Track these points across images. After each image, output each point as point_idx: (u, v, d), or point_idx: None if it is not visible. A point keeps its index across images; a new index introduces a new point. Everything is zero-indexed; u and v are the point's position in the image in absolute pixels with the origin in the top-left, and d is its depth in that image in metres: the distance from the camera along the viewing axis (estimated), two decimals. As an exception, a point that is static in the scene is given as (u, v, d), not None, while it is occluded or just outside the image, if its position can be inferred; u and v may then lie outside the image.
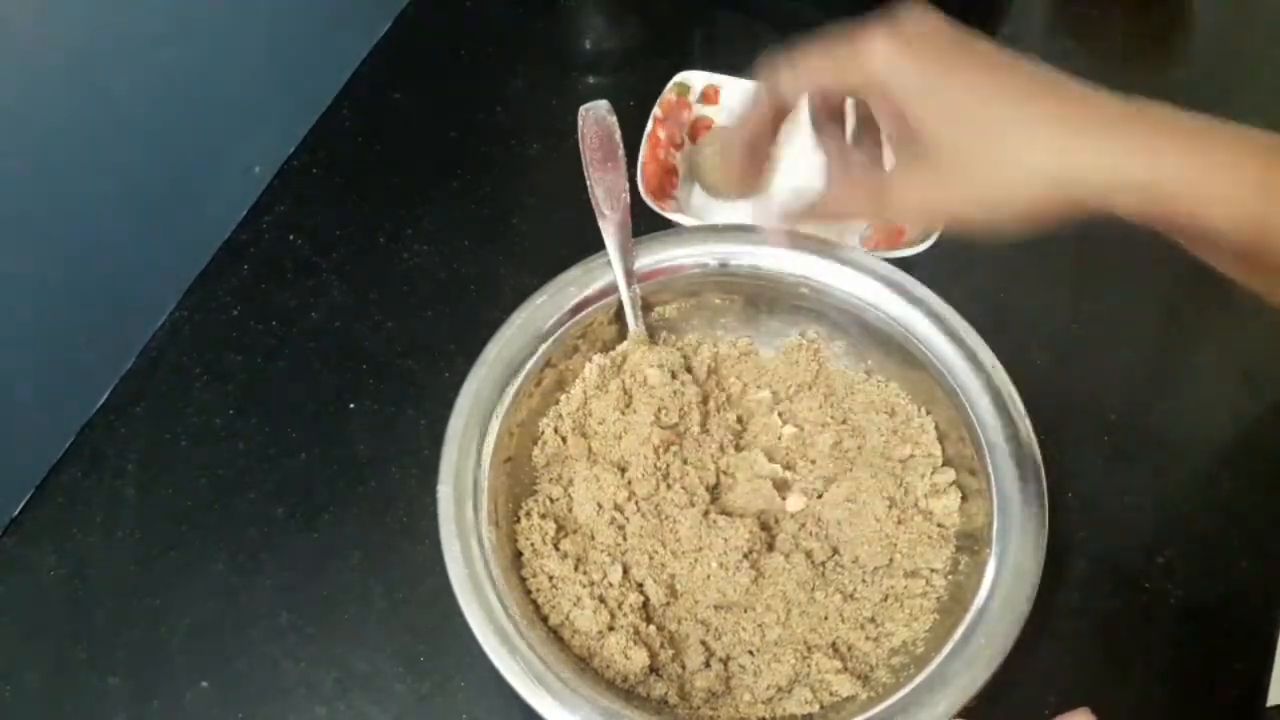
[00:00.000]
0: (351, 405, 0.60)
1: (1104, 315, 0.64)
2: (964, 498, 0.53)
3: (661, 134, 0.65)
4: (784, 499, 0.54)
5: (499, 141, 0.71)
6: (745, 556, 0.51)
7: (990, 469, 0.50)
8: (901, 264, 0.58)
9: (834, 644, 0.50)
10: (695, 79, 0.68)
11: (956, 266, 0.64)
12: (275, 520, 0.57)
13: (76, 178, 0.55)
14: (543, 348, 0.55)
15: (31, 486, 0.57)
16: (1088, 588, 0.54)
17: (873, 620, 0.51)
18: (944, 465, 0.54)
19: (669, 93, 0.67)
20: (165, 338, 0.63)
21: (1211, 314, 0.64)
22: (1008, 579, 0.47)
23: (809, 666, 0.49)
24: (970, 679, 0.45)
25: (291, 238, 0.67)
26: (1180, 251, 0.66)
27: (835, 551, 0.52)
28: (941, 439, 0.55)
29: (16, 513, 0.57)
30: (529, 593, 0.50)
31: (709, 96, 0.68)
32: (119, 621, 0.54)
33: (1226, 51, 0.77)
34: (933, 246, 0.59)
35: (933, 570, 0.51)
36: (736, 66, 0.68)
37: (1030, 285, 0.65)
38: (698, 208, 0.67)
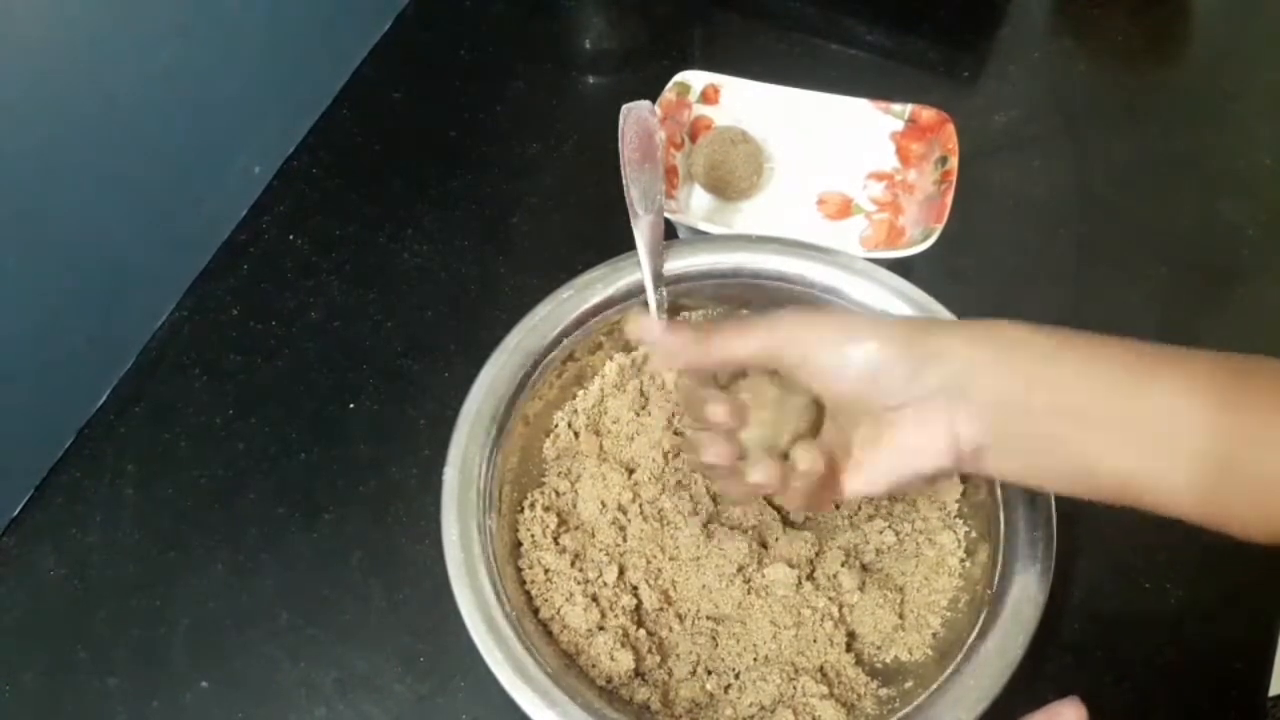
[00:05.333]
0: (351, 405, 0.60)
1: (1104, 316, 0.64)
2: (972, 535, 0.52)
3: (661, 134, 0.65)
4: (786, 514, 0.54)
5: (499, 141, 0.71)
6: (740, 571, 0.51)
7: (1001, 517, 0.50)
8: (902, 264, 0.58)
9: (822, 668, 0.49)
10: (695, 79, 0.68)
11: (957, 266, 0.64)
12: (275, 520, 0.57)
13: (76, 178, 0.55)
14: (566, 340, 0.55)
15: (31, 487, 0.57)
16: (1088, 587, 0.54)
17: (864, 649, 0.50)
18: (959, 499, 0.53)
19: (669, 93, 0.67)
20: (165, 338, 0.63)
21: (1211, 314, 0.64)
22: (1005, 622, 0.46)
23: (795, 688, 0.48)
24: (953, 719, 0.45)
25: (291, 238, 0.67)
26: (1180, 252, 0.67)
27: (833, 576, 0.52)
28: (964, 476, 0.54)
29: (16, 513, 0.57)
30: (523, 584, 0.50)
31: (709, 96, 0.68)
32: (119, 621, 0.54)
33: (1226, 51, 0.77)
34: (934, 246, 0.59)
35: (932, 605, 0.51)
36: (736, 66, 0.68)
37: (1030, 285, 0.65)
38: (697, 208, 0.67)
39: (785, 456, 0.44)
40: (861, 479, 0.43)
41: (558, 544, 0.52)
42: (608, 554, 0.52)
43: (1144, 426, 0.38)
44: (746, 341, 0.42)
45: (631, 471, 0.54)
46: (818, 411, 0.45)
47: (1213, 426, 0.36)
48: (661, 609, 0.51)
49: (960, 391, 0.40)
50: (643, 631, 0.50)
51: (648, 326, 0.46)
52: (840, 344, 0.41)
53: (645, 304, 0.56)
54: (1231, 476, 0.37)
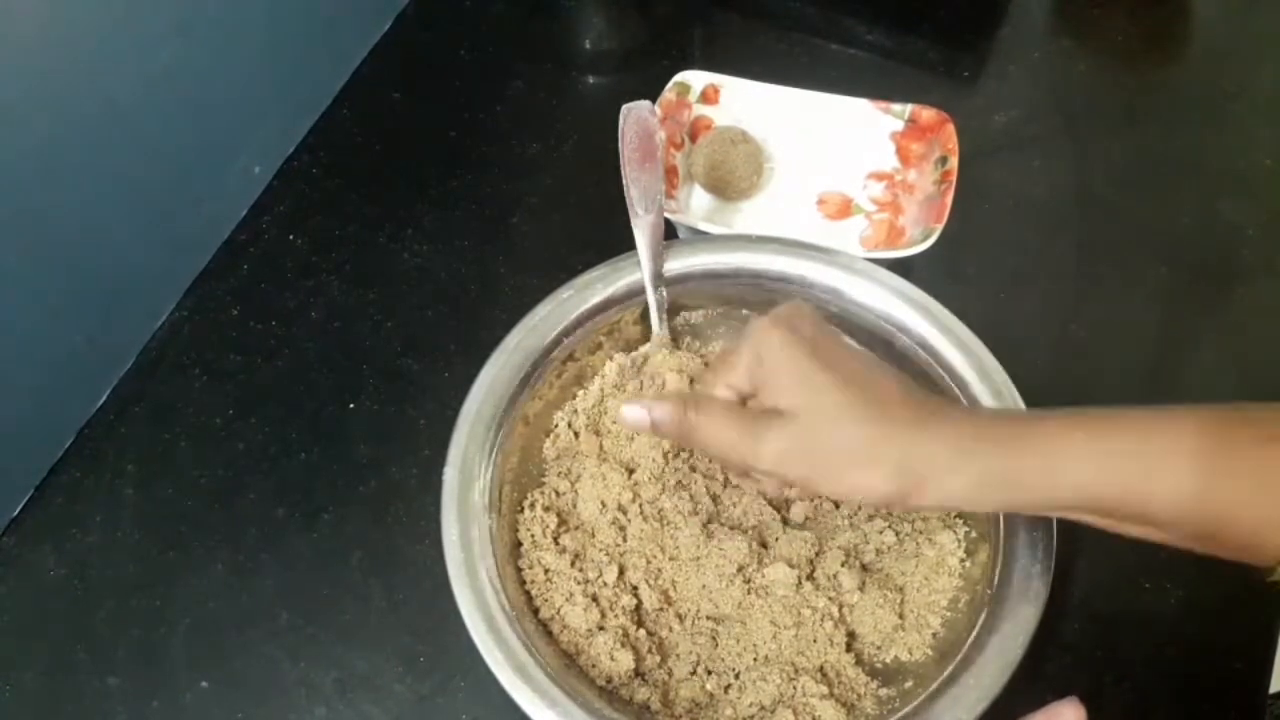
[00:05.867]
0: (351, 405, 0.60)
1: (1104, 316, 0.64)
2: (972, 535, 0.52)
3: (661, 134, 0.65)
4: (786, 514, 0.54)
5: (499, 141, 0.71)
6: (740, 571, 0.51)
7: (1001, 517, 0.50)
8: (902, 264, 0.58)
9: (822, 668, 0.49)
10: (695, 79, 0.68)
11: (957, 266, 0.64)
12: (275, 520, 0.57)
13: (76, 178, 0.55)
14: (566, 340, 0.55)
15: (31, 487, 0.57)
16: (1088, 587, 0.54)
17: (864, 649, 0.50)
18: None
19: (669, 93, 0.67)
20: (165, 338, 0.63)
21: (1211, 314, 0.64)
22: (1005, 622, 0.46)
23: (795, 688, 0.48)
24: (953, 718, 0.45)
25: (291, 238, 0.67)
26: (1180, 252, 0.67)
27: (833, 576, 0.51)
28: None
29: (16, 513, 0.57)
30: (523, 584, 0.50)
31: (709, 96, 0.68)
32: (119, 621, 0.54)
33: (1226, 51, 0.77)
34: (934, 246, 0.59)
35: (932, 605, 0.51)
36: (736, 66, 0.68)
37: (1030, 285, 0.65)
38: (697, 208, 0.67)
39: None
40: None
41: (558, 544, 0.52)
42: (608, 554, 0.52)
43: (1114, 510, 0.41)
44: (717, 428, 0.44)
45: (631, 471, 0.54)
46: None
47: (1192, 485, 0.39)
48: (661, 609, 0.51)
49: (909, 487, 0.41)
50: (643, 631, 0.50)
51: (637, 419, 0.45)
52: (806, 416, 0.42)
53: (644, 315, 0.56)
54: (1210, 526, 0.40)
